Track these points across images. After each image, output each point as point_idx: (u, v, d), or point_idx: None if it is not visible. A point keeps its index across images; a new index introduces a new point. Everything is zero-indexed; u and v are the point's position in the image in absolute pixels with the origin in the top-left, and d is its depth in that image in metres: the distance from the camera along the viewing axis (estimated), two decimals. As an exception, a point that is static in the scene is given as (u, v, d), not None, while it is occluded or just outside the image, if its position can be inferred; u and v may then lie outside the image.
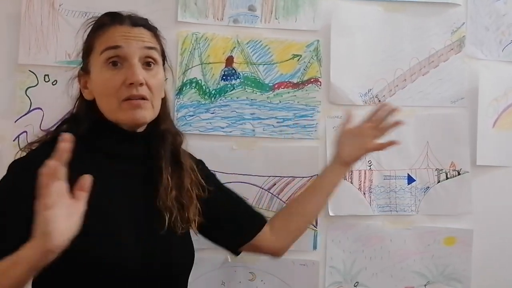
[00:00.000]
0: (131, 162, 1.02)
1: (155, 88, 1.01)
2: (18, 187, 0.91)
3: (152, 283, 0.97)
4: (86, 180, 0.81)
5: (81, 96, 1.05)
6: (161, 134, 1.06)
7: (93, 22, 1.05)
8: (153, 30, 1.06)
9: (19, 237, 0.82)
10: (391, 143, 1.23)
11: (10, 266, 0.80)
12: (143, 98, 0.98)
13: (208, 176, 1.16)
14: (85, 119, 1.02)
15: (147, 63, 1.01)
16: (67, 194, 0.81)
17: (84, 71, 1.04)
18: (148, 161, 1.04)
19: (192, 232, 1.10)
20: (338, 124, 1.41)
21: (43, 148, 0.99)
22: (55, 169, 0.77)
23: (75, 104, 1.06)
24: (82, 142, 0.97)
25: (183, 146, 1.13)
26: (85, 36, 1.05)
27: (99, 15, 1.06)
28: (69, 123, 1.04)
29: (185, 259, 1.06)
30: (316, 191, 1.24)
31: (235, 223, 1.17)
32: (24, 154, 1.01)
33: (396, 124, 1.23)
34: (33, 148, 1.01)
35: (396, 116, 1.23)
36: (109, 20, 1.02)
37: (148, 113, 1.00)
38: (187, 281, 1.09)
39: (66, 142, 0.79)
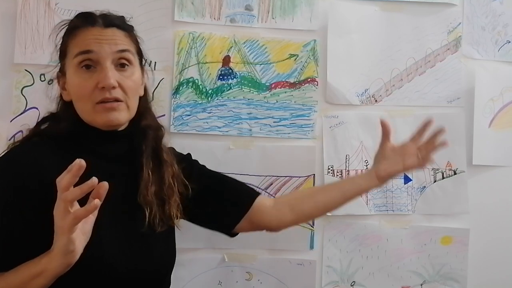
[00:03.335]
0: (113, 161, 1.02)
1: (129, 89, 1.00)
2: (8, 183, 0.93)
3: (133, 281, 0.97)
4: (102, 189, 0.81)
5: (61, 96, 1.06)
6: (143, 130, 1.06)
7: (66, 24, 1.04)
8: (127, 29, 1.05)
9: (19, 232, 0.91)
10: (430, 160, 1.19)
11: (35, 276, 0.85)
12: (117, 100, 0.98)
13: (192, 171, 1.14)
14: (65, 119, 1.02)
15: (121, 65, 1.00)
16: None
17: (62, 72, 1.04)
18: (131, 158, 1.04)
19: (176, 230, 1.10)
20: (335, 124, 1.42)
21: (25, 145, 1.01)
22: (76, 196, 0.80)
23: (58, 103, 1.07)
24: (64, 141, 0.99)
25: (171, 145, 1.13)
26: (58, 38, 1.04)
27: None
28: (49, 121, 1.05)
29: (165, 258, 1.06)
30: (338, 190, 1.20)
31: (225, 205, 1.15)
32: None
33: (442, 145, 1.16)
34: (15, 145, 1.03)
35: (443, 135, 1.16)
36: (81, 22, 1.02)
37: (122, 114, 1.00)
38: (169, 280, 1.09)
39: (80, 170, 0.79)
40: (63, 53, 1.03)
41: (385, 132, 1.19)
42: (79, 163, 0.79)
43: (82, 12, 1.04)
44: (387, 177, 1.19)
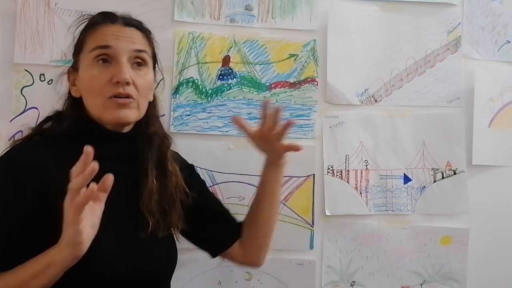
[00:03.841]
0: (114, 161, 1.01)
1: (142, 89, 1.01)
2: (9, 182, 0.93)
3: (133, 282, 0.97)
4: (108, 180, 0.82)
5: (69, 94, 1.06)
6: (149, 137, 1.06)
7: (85, 20, 1.05)
8: (145, 32, 1.06)
9: (19, 231, 0.90)
10: (295, 147, 1.13)
11: (43, 269, 0.85)
12: (129, 97, 0.98)
13: (193, 181, 1.15)
14: (70, 117, 1.02)
15: (137, 63, 1.01)
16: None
17: (74, 68, 1.04)
18: (133, 162, 1.04)
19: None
20: (335, 124, 1.42)
21: (27, 144, 1.01)
22: (84, 183, 0.80)
23: (65, 102, 1.07)
24: (66, 141, 0.99)
25: (173, 148, 1.13)
26: (76, 34, 1.05)
27: (94, 13, 1.07)
28: (53, 120, 1.05)
29: (166, 260, 1.06)
30: (263, 197, 1.18)
31: (214, 231, 1.16)
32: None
33: (288, 125, 1.10)
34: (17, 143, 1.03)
35: (281, 114, 1.09)
36: (101, 19, 1.03)
37: (132, 113, 1.00)
38: (170, 284, 1.09)
39: (89, 157, 0.80)
40: (78, 48, 1.03)
41: (241, 127, 1.16)
42: (87, 150, 0.80)
43: (103, 11, 1.05)
44: (278, 160, 1.16)
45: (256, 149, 1.18)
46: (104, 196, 0.86)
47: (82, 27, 1.05)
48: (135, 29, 1.03)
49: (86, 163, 0.80)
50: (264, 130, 1.12)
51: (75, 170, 0.80)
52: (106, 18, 1.03)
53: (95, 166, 0.79)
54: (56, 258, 0.85)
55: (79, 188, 0.80)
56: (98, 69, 0.98)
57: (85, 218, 0.82)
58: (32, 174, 0.93)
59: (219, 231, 1.17)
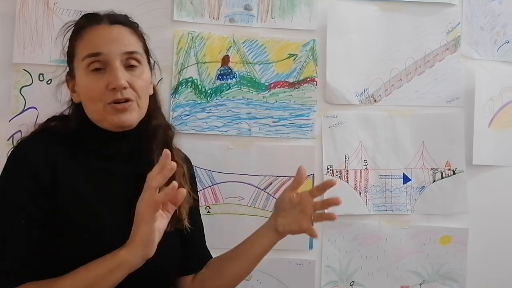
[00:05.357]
0: (119, 161, 1.02)
1: (140, 89, 1.00)
2: (31, 169, 0.93)
3: (136, 280, 0.95)
4: (180, 195, 0.87)
5: (72, 99, 1.06)
6: (152, 130, 1.05)
7: (71, 26, 1.04)
8: (132, 27, 1.04)
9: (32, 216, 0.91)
10: (314, 234, 1.08)
11: (110, 271, 0.88)
12: (128, 100, 0.98)
13: (194, 184, 1.15)
14: (74, 120, 1.02)
15: (130, 65, 1.00)
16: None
17: (70, 75, 1.04)
18: (138, 158, 1.03)
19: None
20: (334, 124, 1.42)
21: (35, 138, 1.01)
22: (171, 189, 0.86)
23: (69, 107, 1.07)
24: (71, 141, 1.00)
25: (177, 144, 1.13)
26: (65, 41, 1.04)
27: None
28: (58, 120, 1.05)
29: (170, 258, 1.04)
30: (241, 254, 1.11)
31: (188, 249, 1.10)
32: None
33: (330, 218, 1.07)
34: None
35: (334, 206, 1.06)
36: (86, 22, 1.01)
37: (134, 114, 0.99)
38: (170, 281, 1.09)
39: (167, 157, 0.87)
40: (71, 56, 1.02)
41: (297, 180, 1.10)
42: (166, 152, 0.88)
43: (86, 13, 1.04)
44: (284, 233, 1.10)
45: (277, 204, 1.12)
46: (173, 209, 0.91)
47: (70, 34, 1.04)
48: (122, 26, 1.01)
49: (165, 163, 0.86)
50: (307, 198, 1.07)
51: (155, 169, 0.87)
52: (91, 20, 1.01)
53: (173, 165, 0.86)
54: (128, 258, 0.87)
55: (157, 186, 0.86)
56: (93, 77, 0.97)
57: (158, 218, 0.87)
58: (45, 164, 0.94)
59: (190, 252, 1.11)
